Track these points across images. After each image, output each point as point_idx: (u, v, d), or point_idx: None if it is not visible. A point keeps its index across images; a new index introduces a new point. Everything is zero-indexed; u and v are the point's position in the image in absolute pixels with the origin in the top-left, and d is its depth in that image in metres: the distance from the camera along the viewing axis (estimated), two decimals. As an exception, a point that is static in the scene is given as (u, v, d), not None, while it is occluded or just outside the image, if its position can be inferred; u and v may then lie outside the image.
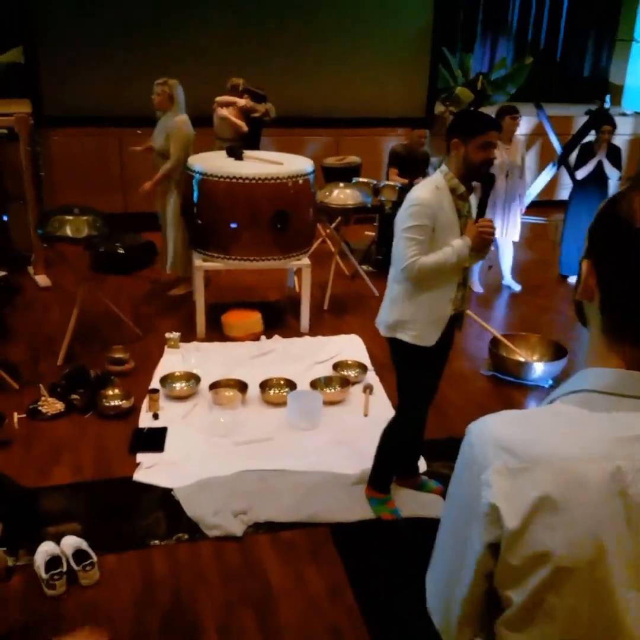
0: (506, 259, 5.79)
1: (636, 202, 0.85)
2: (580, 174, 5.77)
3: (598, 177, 5.70)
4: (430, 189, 2.64)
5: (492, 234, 2.67)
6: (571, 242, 6.01)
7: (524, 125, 7.29)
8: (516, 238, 5.63)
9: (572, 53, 9.30)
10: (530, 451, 0.84)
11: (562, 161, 7.33)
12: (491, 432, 0.88)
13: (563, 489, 0.81)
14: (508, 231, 5.56)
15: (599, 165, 5.67)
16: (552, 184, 8.12)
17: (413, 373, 2.84)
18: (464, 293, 2.84)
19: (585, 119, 7.18)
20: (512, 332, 4.73)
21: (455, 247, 2.62)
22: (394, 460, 3.04)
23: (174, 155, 4.84)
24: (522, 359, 4.31)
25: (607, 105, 7.45)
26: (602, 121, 5.72)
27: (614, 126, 5.65)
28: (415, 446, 3.15)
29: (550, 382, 4.21)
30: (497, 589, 0.88)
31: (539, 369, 4.19)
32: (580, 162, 5.79)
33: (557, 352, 4.34)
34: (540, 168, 7.96)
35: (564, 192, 7.93)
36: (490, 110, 7.94)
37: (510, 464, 0.84)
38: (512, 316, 5.41)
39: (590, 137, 6.02)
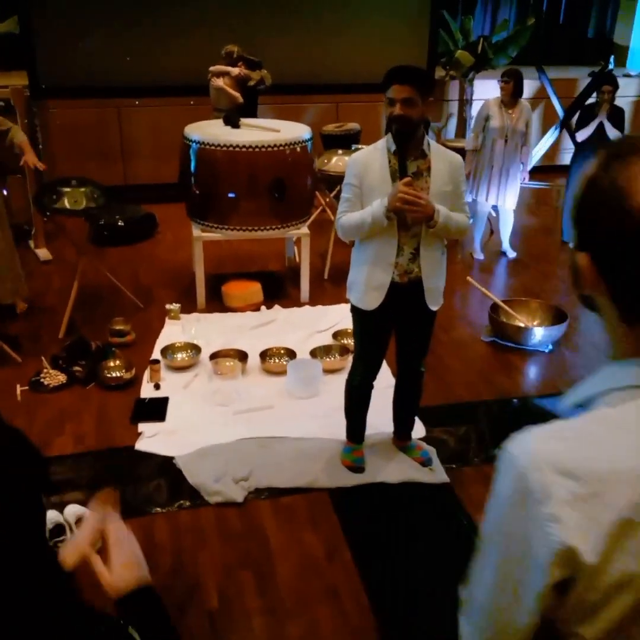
0: (505, 226, 5.69)
1: (627, 176, 0.75)
2: (581, 136, 5.61)
3: (600, 140, 5.47)
4: (367, 149, 2.73)
5: (411, 194, 2.50)
6: None
7: (526, 89, 7.16)
8: (513, 206, 5.52)
9: (575, 14, 9.13)
10: (595, 471, 0.73)
11: (564, 124, 7.21)
12: (544, 456, 0.76)
13: None
14: (506, 198, 5.44)
15: (601, 127, 5.48)
16: (555, 149, 8.02)
17: (358, 332, 2.95)
18: (417, 260, 2.67)
19: (588, 81, 7.07)
20: (513, 298, 4.72)
21: (372, 207, 2.60)
22: (349, 409, 3.11)
23: (10, 124, 4.21)
24: (521, 324, 4.30)
25: (611, 66, 7.33)
26: (604, 82, 5.60)
27: (615, 86, 5.50)
28: (397, 411, 3.18)
29: (550, 346, 4.21)
30: (561, 627, 0.78)
31: (539, 333, 4.19)
32: (581, 124, 5.64)
33: (557, 316, 4.33)
34: (543, 132, 7.86)
35: (567, 157, 7.83)
36: (493, 74, 7.87)
37: (576, 490, 0.73)
38: (513, 283, 5.38)
39: (593, 99, 5.89)
